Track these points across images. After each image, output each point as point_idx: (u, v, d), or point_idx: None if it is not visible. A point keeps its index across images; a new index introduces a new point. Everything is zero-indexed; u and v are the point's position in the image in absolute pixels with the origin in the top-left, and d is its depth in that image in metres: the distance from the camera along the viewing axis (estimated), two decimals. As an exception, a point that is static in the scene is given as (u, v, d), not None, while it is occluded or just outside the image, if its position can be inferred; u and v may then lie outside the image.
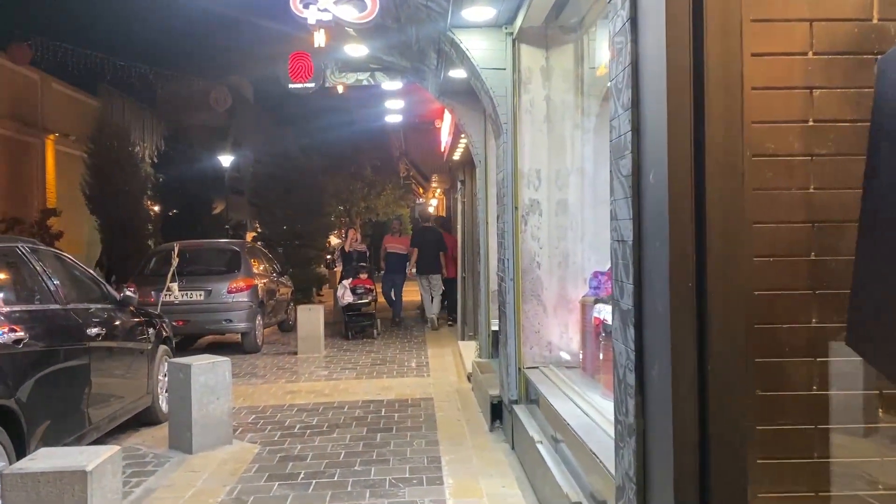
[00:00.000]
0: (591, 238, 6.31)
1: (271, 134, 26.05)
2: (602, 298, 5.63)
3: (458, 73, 7.70)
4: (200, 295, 11.64)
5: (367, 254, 13.89)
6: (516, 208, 6.24)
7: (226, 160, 26.70)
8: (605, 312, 4.99)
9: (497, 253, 7.04)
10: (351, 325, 13.02)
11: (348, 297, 12.78)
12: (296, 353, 11.54)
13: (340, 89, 11.13)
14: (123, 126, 23.74)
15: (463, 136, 9.32)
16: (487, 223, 8.67)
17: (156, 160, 25.68)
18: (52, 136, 23.12)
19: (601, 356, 5.27)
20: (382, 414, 7.57)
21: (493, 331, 8.57)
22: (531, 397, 6.13)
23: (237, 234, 24.06)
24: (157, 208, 26.34)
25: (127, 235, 20.69)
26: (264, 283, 12.73)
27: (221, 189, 26.79)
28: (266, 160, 19.07)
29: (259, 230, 20.43)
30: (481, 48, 6.27)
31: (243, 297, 11.77)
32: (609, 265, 3.24)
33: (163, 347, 7.68)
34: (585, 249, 6.30)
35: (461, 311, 11.92)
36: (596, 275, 5.96)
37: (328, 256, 20.06)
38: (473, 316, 11.65)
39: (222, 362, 6.65)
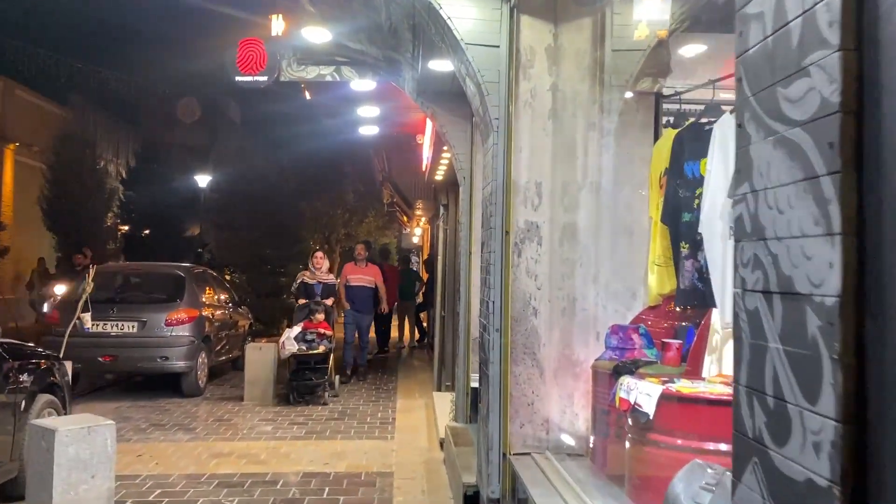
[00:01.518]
0: (607, 277, 4.61)
1: (254, 156, 24.46)
2: (626, 365, 3.90)
3: (439, 65, 6.05)
4: (133, 326, 9.83)
5: (336, 287, 10.79)
6: (507, 233, 4.54)
7: (202, 180, 25.04)
8: (637, 392, 3.27)
9: (480, 292, 5.33)
10: (295, 386, 9.42)
11: (291, 347, 9.35)
12: (242, 401, 9.71)
13: (308, 95, 9.48)
14: (89, 139, 22.04)
15: (445, 148, 7.66)
16: (470, 253, 6.97)
17: (124, 176, 24.08)
18: (11, 146, 21.45)
19: (627, 451, 3.54)
20: (324, 496, 5.77)
21: (473, 388, 6.83)
22: (519, 496, 4.38)
23: (214, 259, 22.32)
24: (125, 228, 24.71)
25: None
26: (213, 315, 10.94)
27: (196, 211, 25.09)
28: (235, 177, 17.30)
29: (209, 253, 18.65)
30: (468, 17, 4.61)
31: (184, 331, 9.96)
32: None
33: (45, 398, 5.88)
34: (600, 293, 4.60)
35: (438, 355, 10.17)
36: (616, 330, 4.25)
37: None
38: (452, 362, 9.88)
39: (103, 427, 4.88)
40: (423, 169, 10.11)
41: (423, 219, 19.24)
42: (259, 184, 18.19)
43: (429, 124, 8.89)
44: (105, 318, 9.78)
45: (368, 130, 9.99)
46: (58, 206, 19.56)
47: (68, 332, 7.55)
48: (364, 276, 11.34)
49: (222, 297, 11.85)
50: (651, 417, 3.15)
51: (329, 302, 10.21)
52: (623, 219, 4.61)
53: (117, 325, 9.80)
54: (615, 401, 3.43)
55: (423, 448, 7.40)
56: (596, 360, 4.23)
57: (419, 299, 16.89)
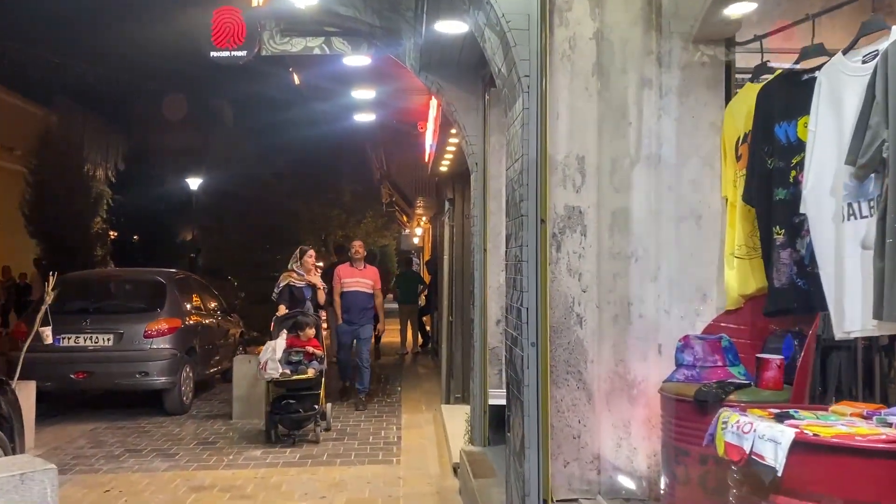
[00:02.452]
0: (670, 275, 3.64)
1: (247, 156, 23.47)
2: (712, 390, 2.94)
3: (447, 27, 5.07)
4: (109, 339, 8.83)
5: (319, 291, 8.65)
6: (543, 222, 3.56)
7: (195, 183, 24.06)
8: (755, 437, 2.29)
9: (505, 296, 4.35)
10: (277, 418, 7.31)
11: (273, 370, 7.22)
12: (230, 419, 8.72)
13: (296, 79, 8.50)
14: (75, 141, 21.01)
15: (453, 131, 6.68)
16: (485, 251, 5.99)
17: (113, 180, 23.10)
18: (-10, 150, 20.49)
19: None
20: (319, 544, 4.79)
21: (492, 405, 5.87)
22: (565, 556, 3.40)
23: (201, 265, 21.30)
24: (114, 233, 23.72)
25: (73, 262, 17.84)
26: (199, 324, 9.95)
27: (189, 215, 24.11)
28: (226, 179, 16.31)
29: (195, 256, 17.65)
30: (488, -51, 3.63)
31: (165, 343, 8.96)
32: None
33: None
34: (661, 295, 3.62)
35: (447, 364, 9.19)
36: (689, 343, 3.28)
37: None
38: (462, 371, 8.90)
39: (40, 474, 3.89)
40: (426, 160, 9.14)
41: (424, 218, 18.27)
42: (251, 185, 17.23)
43: (432, 108, 7.92)
44: (78, 330, 8.80)
45: (364, 117, 9.01)
46: (41, 211, 18.57)
47: (25, 348, 6.57)
48: (362, 278, 9.21)
49: (209, 304, 10.85)
50: (779, 474, 2.17)
51: (322, 315, 8.52)
52: (689, 200, 3.63)
53: (91, 338, 8.80)
54: (716, 445, 2.44)
55: (435, 475, 6.42)
56: (665, 381, 3.26)
57: (421, 302, 15.93)
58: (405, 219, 20.76)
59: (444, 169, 8.46)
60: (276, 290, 8.54)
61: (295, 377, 7.39)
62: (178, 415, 9.08)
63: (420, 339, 15.82)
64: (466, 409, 8.41)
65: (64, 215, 18.18)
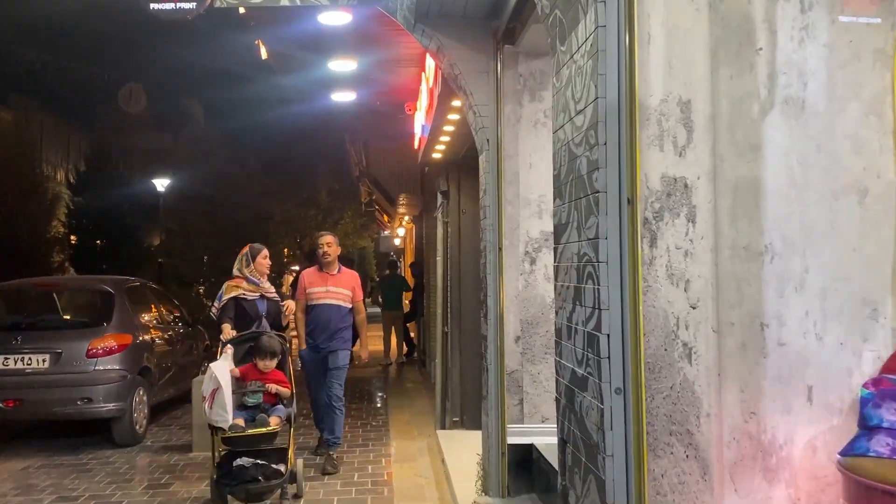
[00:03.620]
0: (823, 281, 2.37)
1: (219, 155, 22.00)
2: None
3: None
4: (45, 360, 7.43)
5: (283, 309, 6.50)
6: (629, 202, 2.26)
7: (162, 184, 22.54)
8: None
9: (556, 315, 3.08)
10: (228, 489, 5.19)
11: (220, 416, 5.04)
12: (190, 451, 7.35)
13: (263, 53, 7.17)
14: (30, 141, 19.43)
15: (454, 104, 5.40)
16: (500, 249, 4.70)
17: (73, 181, 21.54)
18: (-64, 151, 18.81)
19: None
20: None
21: (512, 445, 4.60)
22: None
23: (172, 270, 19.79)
24: (74, 237, 22.14)
25: (27, 267, 16.27)
26: (155, 339, 8.56)
27: (156, 218, 22.58)
28: (194, 180, 14.89)
29: (163, 262, 16.16)
30: None
31: (113, 363, 7.58)
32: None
33: None
34: (811, 311, 2.34)
35: (441, 383, 7.89)
36: (887, 389, 1.99)
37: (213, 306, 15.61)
38: (461, 391, 7.62)
39: None
40: (416, 147, 7.84)
41: (407, 217, 16.94)
42: (221, 185, 15.83)
43: (425, 84, 6.63)
44: (8, 350, 7.41)
45: (343, 97, 7.70)
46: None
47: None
48: (336, 287, 6.51)
49: (169, 315, 9.46)
50: None
51: (291, 309, 6.48)
52: (848, 166, 2.38)
53: (23, 360, 7.40)
54: None
55: (438, 529, 5.13)
56: (848, 452, 2.00)
57: (406, 308, 14.64)
58: (386, 218, 19.43)
59: (437, 156, 7.20)
60: (215, 304, 6.17)
61: (251, 431, 5.10)
62: (130, 446, 7.70)
63: (405, 348, 14.52)
64: (468, 436, 7.15)
65: (16, 218, 16.66)
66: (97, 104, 25.03)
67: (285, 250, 21.23)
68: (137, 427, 7.86)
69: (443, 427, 7.76)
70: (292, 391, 5.59)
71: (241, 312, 5.98)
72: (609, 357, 2.27)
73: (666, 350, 2.32)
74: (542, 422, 4.73)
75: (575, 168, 2.62)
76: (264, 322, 6.10)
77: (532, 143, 4.80)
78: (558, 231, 3.01)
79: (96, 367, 7.48)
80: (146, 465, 7.09)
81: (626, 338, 2.25)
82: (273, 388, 5.41)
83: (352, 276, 6.84)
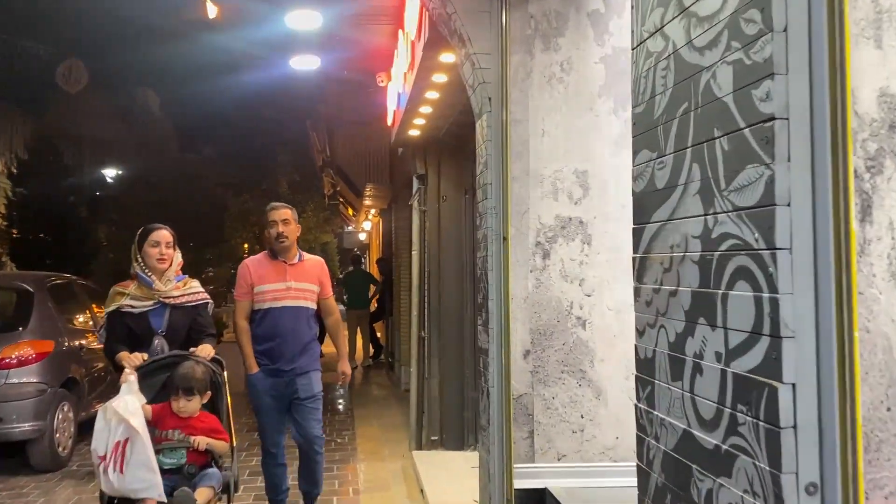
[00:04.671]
0: None
1: (171, 145, 20.54)
2: None
3: None
4: (-56, 372, 6.13)
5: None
6: (836, 135, 1.15)
7: (110, 175, 21.02)
8: None
9: (640, 317, 1.97)
10: None
11: (144, 483, 3.23)
12: (119, 479, 6.12)
13: (211, 9, 6.00)
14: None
15: (443, 58, 4.28)
16: (506, 240, 3.62)
17: (15, 171, 19.91)
18: None
19: None
20: None
21: (519, 490, 3.53)
22: None
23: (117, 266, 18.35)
24: (16, 231, 20.52)
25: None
26: (84, 346, 7.30)
27: (105, 211, 21.03)
28: (144, 170, 13.53)
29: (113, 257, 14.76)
30: None
31: (30, 375, 6.32)
32: None
33: None
34: None
35: (418, 396, 6.78)
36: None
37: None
38: (440, 406, 6.54)
39: None
40: (389, 123, 6.73)
41: (373, 211, 15.79)
42: (176, 176, 14.51)
43: (403, 43, 5.52)
44: None
45: (305, 63, 6.52)
46: None
47: None
48: (297, 282, 4.46)
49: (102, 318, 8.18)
50: None
51: (207, 352, 3.73)
52: None
53: (-83, 372, 6.10)
54: None
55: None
56: None
57: (373, 306, 13.50)
58: (351, 212, 18.24)
59: (415, 133, 6.10)
60: (100, 327, 3.99)
61: None
62: (51, 472, 6.44)
63: (371, 350, 13.38)
64: (449, 459, 6.09)
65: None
66: (45, 88, 23.37)
67: (245, 245, 19.90)
68: (61, 449, 6.60)
69: (419, 447, 6.66)
70: (232, 445, 3.72)
71: (131, 332, 3.77)
72: (795, 426, 1.22)
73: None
74: (558, 460, 3.67)
75: (695, 90, 1.56)
76: (158, 344, 3.73)
77: (546, 103, 3.74)
78: (644, 202, 1.95)
79: (7, 381, 6.21)
80: (68, 495, 5.87)
81: (829, 389, 1.19)
82: (202, 442, 3.50)
83: (316, 265, 4.62)
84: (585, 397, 3.70)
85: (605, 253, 3.74)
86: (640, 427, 2.01)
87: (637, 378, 2.05)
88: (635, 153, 2.01)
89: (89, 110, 19.70)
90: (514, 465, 3.61)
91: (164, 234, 3.87)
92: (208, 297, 4.08)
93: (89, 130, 22.70)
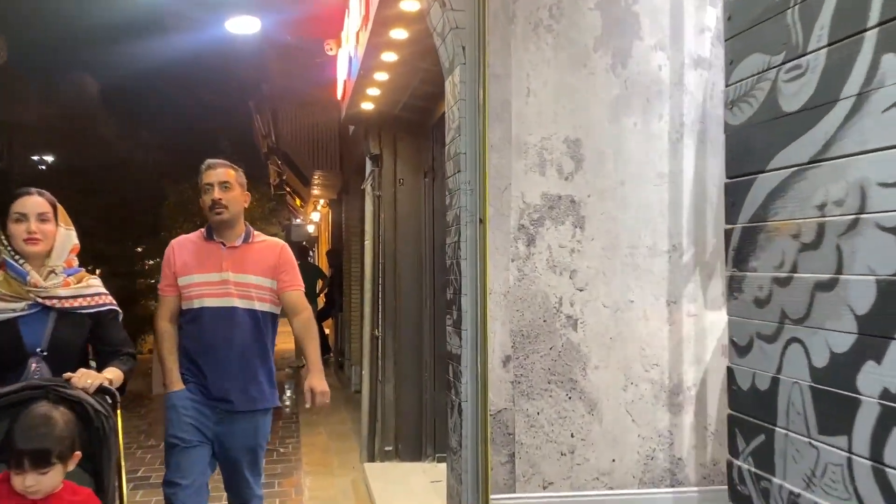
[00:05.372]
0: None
1: (104, 129, 19.30)
2: None
3: None
4: None
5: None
6: None
7: (42, 163, 19.71)
8: None
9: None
10: None
11: None
12: None
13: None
14: None
15: (407, 5, 3.57)
16: (483, 222, 2.94)
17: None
18: None
19: None
20: None
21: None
22: None
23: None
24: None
25: None
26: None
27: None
28: (70, 156, 12.44)
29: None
30: None
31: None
32: None
33: None
34: None
35: (370, 402, 6.06)
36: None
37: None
38: (396, 414, 5.85)
39: None
40: (340, 97, 5.98)
41: (322, 201, 14.96)
42: (111, 163, 13.45)
43: (354, 3, 4.78)
44: None
45: (243, 27, 5.70)
46: None
47: None
48: (242, 273, 3.09)
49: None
50: None
51: (94, 379, 2.39)
52: None
53: None
54: None
55: None
56: None
57: (322, 302, 12.70)
58: (298, 203, 17.36)
59: (368, 106, 5.37)
60: None
61: None
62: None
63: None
64: (405, 472, 5.42)
65: None
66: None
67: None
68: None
69: (371, 458, 5.94)
70: None
71: None
72: None
73: None
74: (544, 488, 3.02)
75: None
76: (37, 369, 2.50)
77: (531, 55, 3.07)
78: (753, 140, 1.30)
79: None
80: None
81: None
82: None
83: (272, 250, 3.25)
84: (576, 412, 3.06)
85: (601, 239, 3.10)
86: (738, 497, 1.33)
87: (734, 419, 1.39)
88: (733, 64, 1.35)
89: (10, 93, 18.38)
90: (492, 496, 2.94)
91: (34, 202, 2.56)
92: (114, 303, 2.76)
93: (23, 115, 21.29)
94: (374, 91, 5.06)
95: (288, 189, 16.29)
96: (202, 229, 3.24)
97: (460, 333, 3.01)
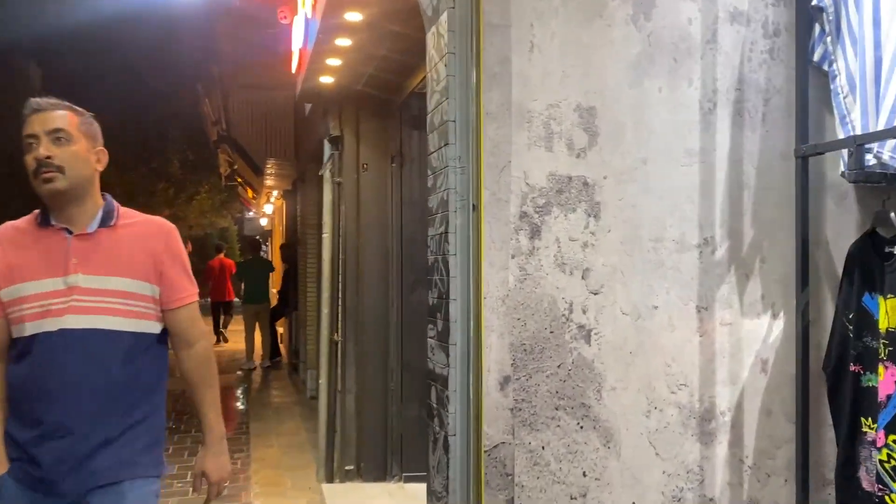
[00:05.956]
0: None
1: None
2: None
3: None
4: None
5: None
6: None
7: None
8: None
9: None
10: None
11: None
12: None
13: None
14: None
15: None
16: (477, 209, 2.31)
17: None
18: None
19: None
20: None
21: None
22: None
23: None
24: None
25: None
26: None
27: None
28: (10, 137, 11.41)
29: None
30: None
31: None
32: None
33: None
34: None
35: (327, 412, 5.39)
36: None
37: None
38: (357, 429, 5.22)
39: None
40: (295, 70, 5.27)
41: (276, 193, 14.16)
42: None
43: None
44: None
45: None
46: None
47: None
48: (92, 273, 1.99)
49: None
50: None
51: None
52: None
53: None
54: None
55: None
56: None
57: (273, 301, 11.96)
58: (251, 194, 16.50)
59: (327, 80, 4.68)
60: None
61: None
62: None
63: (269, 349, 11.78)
64: (367, 493, 4.79)
65: None
66: None
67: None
68: None
69: (330, 478, 5.28)
70: None
71: None
72: None
73: None
74: (551, 541, 2.42)
75: None
76: None
77: (536, 2, 2.46)
78: None
79: None
80: None
81: None
82: None
83: (152, 234, 2.13)
84: (589, 445, 2.46)
85: (620, 230, 2.51)
86: None
87: None
88: None
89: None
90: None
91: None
92: None
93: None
94: (334, 61, 4.39)
95: (239, 179, 15.45)
96: (36, 211, 2.08)
97: (447, 349, 2.39)
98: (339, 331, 5.26)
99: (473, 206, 2.34)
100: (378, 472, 5.18)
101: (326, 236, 5.45)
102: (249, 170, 13.26)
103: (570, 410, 2.45)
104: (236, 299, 14.07)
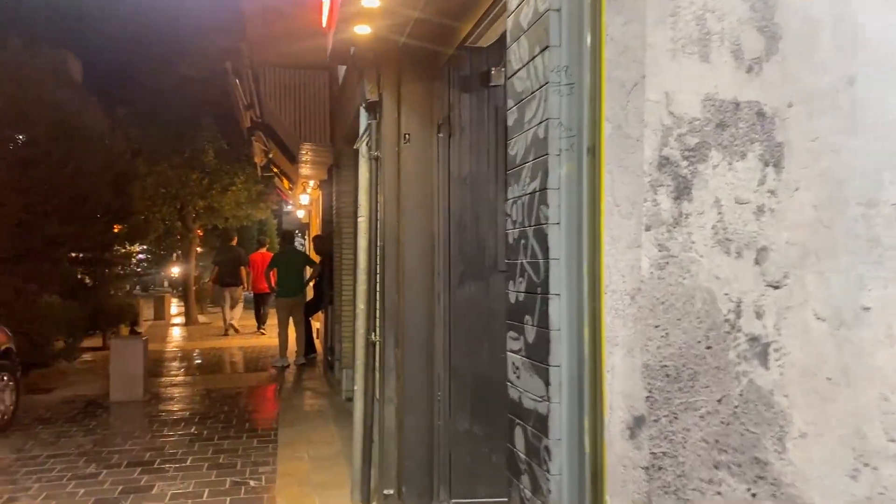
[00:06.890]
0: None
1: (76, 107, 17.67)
2: None
3: None
4: None
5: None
6: None
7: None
8: None
9: None
10: None
11: None
12: None
13: None
14: None
15: None
16: (595, 151, 1.37)
17: None
18: None
19: None
20: None
21: None
22: None
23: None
24: None
25: None
26: None
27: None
28: (35, 133, 10.82)
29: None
30: None
31: None
32: None
33: None
34: None
35: (363, 423, 4.55)
36: None
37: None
38: (399, 444, 4.37)
39: None
40: (324, 25, 4.41)
41: (312, 183, 13.40)
42: (76, 140, 11.86)
43: None
44: None
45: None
46: None
47: None
48: None
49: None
50: None
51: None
52: None
53: None
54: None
55: None
56: None
57: (310, 294, 11.23)
58: (287, 184, 15.80)
59: (364, 30, 3.75)
60: None
61: None
62: None
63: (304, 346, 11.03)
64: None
65: None
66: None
67: (164, 223, 17.20)
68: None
69: (366, 501, 4.45)
70: None
71: None
72: None
73: None
74: None
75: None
76: None
77: None
78: None
79: None
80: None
81: None
82: None
83: None
84: (765, 523, 1.55)
85: (813, 188, 1.58)
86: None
87: None
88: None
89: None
90: None
91: None
92: None
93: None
94: (371, 1, 3.51)
95: (275, 170, 14.74)
96: None
97: (545, 372, 1.50)
98: (377, 330, 4.40)
99: (588, 147, 1.44)
100: (423, 496, 4.32)
101: (362, 220, 4.60)
102: (285, 158, 12.54)
103: (738, 469, 1.54)
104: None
